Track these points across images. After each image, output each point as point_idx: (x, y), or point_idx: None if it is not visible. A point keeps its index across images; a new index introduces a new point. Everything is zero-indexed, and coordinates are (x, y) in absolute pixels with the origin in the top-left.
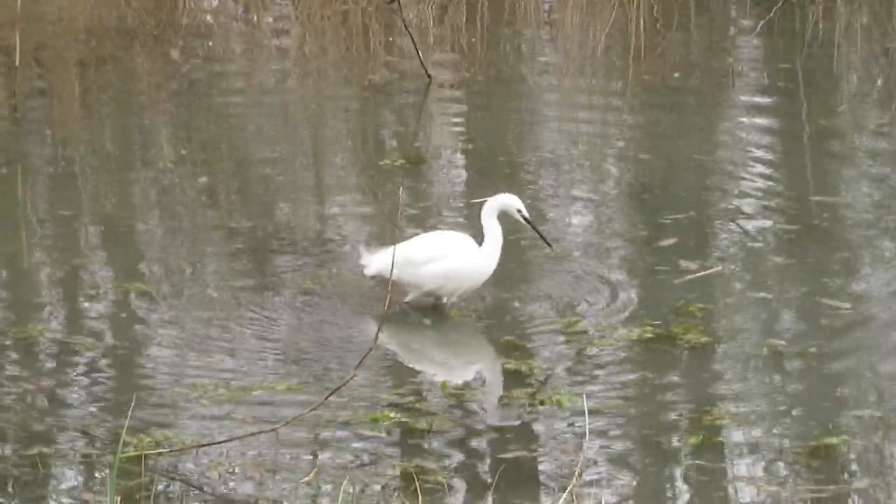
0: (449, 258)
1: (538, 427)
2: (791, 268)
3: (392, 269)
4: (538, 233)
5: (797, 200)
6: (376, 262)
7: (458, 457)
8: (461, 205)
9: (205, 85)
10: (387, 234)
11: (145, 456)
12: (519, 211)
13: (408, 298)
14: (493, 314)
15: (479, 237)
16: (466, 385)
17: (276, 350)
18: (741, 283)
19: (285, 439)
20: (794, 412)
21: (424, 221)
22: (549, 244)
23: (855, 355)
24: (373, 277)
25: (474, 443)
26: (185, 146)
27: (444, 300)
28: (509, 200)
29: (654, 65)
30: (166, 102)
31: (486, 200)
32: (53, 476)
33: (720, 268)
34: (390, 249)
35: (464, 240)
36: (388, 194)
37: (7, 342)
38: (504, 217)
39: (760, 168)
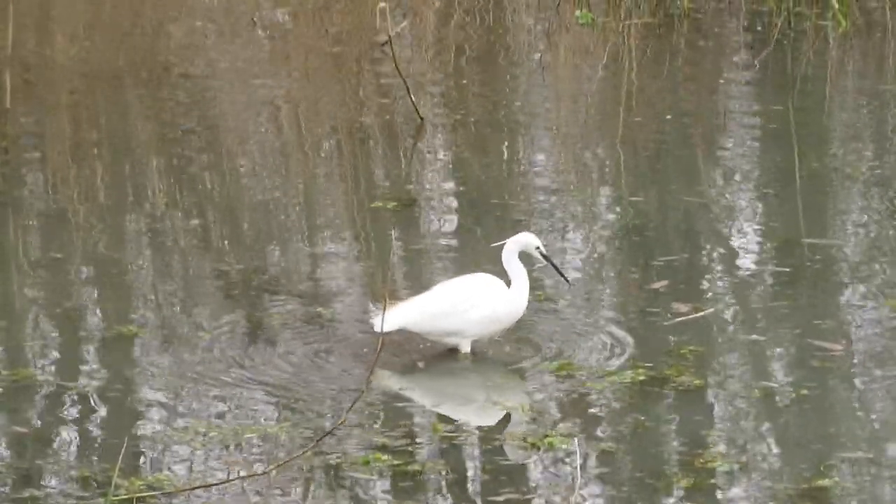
0: (490, 302)
1: (530, 470)
2: (783, 310)
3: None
4: (556, 269)
5: (789, 242)
6: (396, 316)
7: (449, 499)
8: (454, 247)
9: (196, 127)
10: (378, 278)
11: (137, 499)
12: (538, 248)
13: (464, 350)
14: (486, 357)
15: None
16: (458, 427)
17: (268, 393)
18: (733, 325)
19: (277, 482)
20: (786, 454)
21: (416, 264)
22: (566, 280)
23: (847, 397)
24: (392, 332)
25: (466, 485)
26: (176, 189)
27: (467, 347)
28: (529, 239)
29: (646, 107)
30: (158, 145)
31: (505, 243)
32: None
33: (712, 310)
34: (412, 302)
35: (494, 282)
36: (379, 237)
37: None
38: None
39: (752, 210)
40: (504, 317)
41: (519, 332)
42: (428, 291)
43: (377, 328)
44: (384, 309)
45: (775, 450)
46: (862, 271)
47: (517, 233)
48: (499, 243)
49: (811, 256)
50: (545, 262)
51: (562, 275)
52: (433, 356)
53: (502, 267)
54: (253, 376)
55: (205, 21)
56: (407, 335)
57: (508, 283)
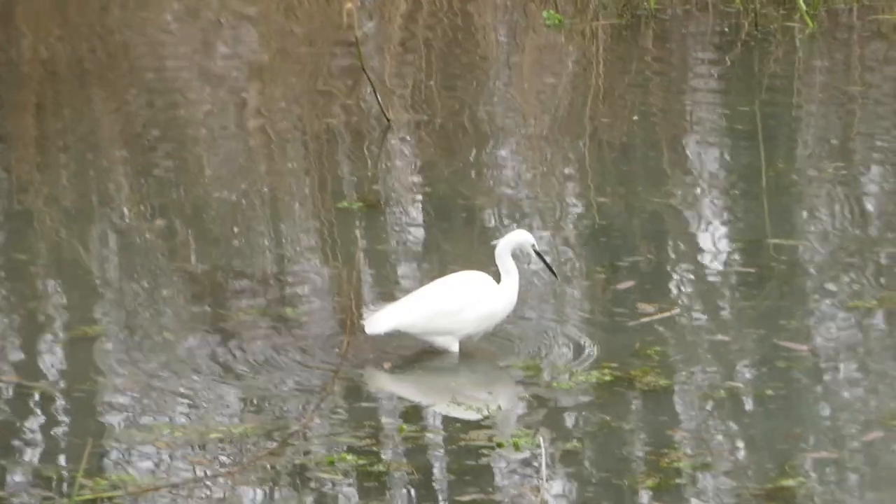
0: (480, 302)
1: (495, 470)
2: (748, 310)
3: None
4: (547, 265)
5: (754, 243)
6: (388, 318)
7: (415, 500)
8: (420, 247)
9: (162, 128)
10: (344, 279)
11: (101, 499)
12: (533, 245)
13: (453, 349)
14: (450, 358)
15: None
16: (424, 428)
17: (232, 393)
18: (699, 325)
19: (242, 482)
20: (751, 454)
21: (383, 264)
22: (556, 275)
23: (812, 397)
24: (384, 334)
25: (431, 485)
26: (141, 189)
27: (455, 346)
28: (524, 237)
29: (613, 108)
30: (123, 146)
31: (498, 242)
32: None
33: (678, 310)
34: (404, 303)
35: (486, 279)
36: (345, 237)
37: None
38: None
39: (718, 211)
40: (498, 313)
41: (485, 333)
42: (416, 292)
43: (370, 329)
44: (349, 319)
45: (740, 449)
46: (827, 272)
47: (495, 233)
48: (494, 242)
49: (777, 257)
50: (538, 259)
51: (552, 270)
52: (399, 357)
53: (469, 266)
54: (218, 376)
55: (171, 21)
56: (375, 338)
57: (497, 280)
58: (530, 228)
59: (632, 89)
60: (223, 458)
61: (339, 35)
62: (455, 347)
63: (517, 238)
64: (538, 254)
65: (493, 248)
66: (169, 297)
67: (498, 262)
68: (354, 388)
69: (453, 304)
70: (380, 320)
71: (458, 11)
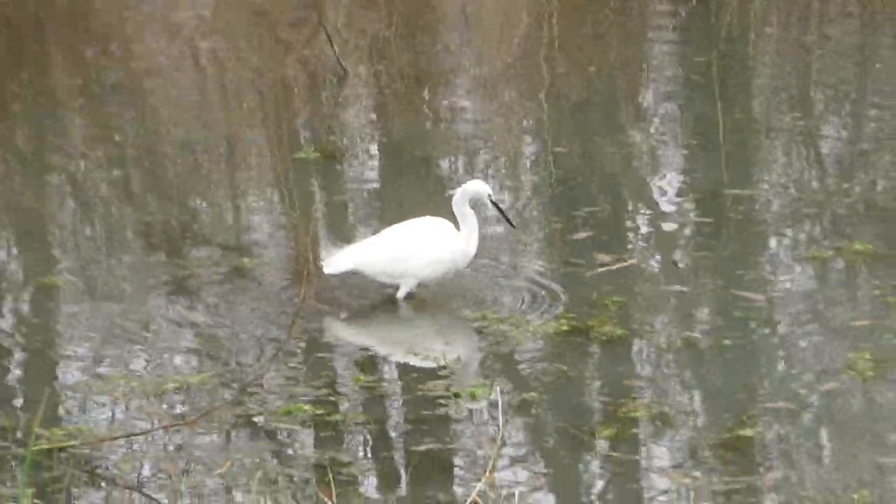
0: (438, 246)
1: (452, 420)
2: (706, 260)
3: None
4: (504, 216)
5: (712, 194)
6: (348, 257)
7: (372, 449)
8: (376, 197)
9: (118, 79)
10: (300, 228)
11: (58, 449)
12: (489, 196)
13: (402, 294)
14: (408, 308)
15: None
16: (380, 378)
17: (190, 343)
18: (656, 275)
19: (199, 432)
20: (708, 404)
21: (339, 214)
22: (512, 225)
23: (769, 347)
24: (344, 274)
25: (388, 435)
26: (99, 141)
27: (405, 290)
28: (480, 187)
29: (570, 59)
30: (80, 98)
31: (455, 192)
32: None
33: (635, 260)
34: (364, 244)
35: (447, 225)
36: (302, 187)
37: None
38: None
39: (675, 161)
40: (456, 259)
41: (442, 283)
42: (378, 234)
43: (328, 269)
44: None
45: (698, 400)
46: (784, 222)
47: (451, 183)
48: (453, 191)
49: (734, 207)
50: (494, 210)
51: (508, 221)
52: (356, 307)
53: (424, 216)
54: (175, 327)
55: None
56: (340, 282)
57: (458, 228)
58: (487, 179)
59: (589, 40)
60: (180, 409)
61: None
62: (404, 290)
63: (473, 188)
64: (494, 204)
65: (450, 198)
66: (126, 247)
67: (455, 212)
68: (311, 339)
69: (412, 246)
70: (338, 261)
71: None
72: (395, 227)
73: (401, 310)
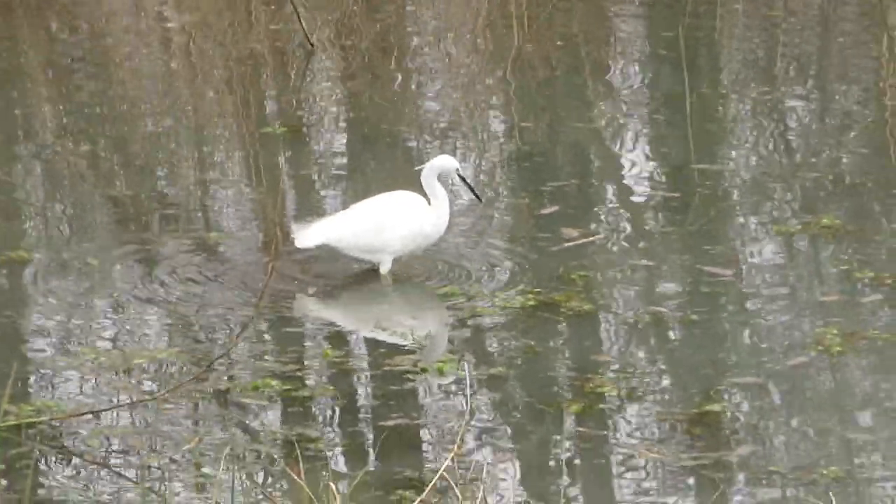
0: (409, 220)
1: (420, 395)
2: (672, 235)
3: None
4: (471, 189)
5: (679, 168)
6: (318, 231)
7: (340, 424)
8: (344, 172)
9: (86, 53)
10: (268, 203)
11: (26, 424)
12: (457, 170)
13: (384, 269)
14: (375, 283)
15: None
16: (348, 353)
17: (158, 318)
18: (623, 250)
19: (167, 407)
20: (675, 379)
21: (307, 189)
22: (480, 200)
23: (736, 322)
24: (315, 248)
25: (356, 410)
26: (66, 116)
27: (387, 265)
28: (447, 162)
29: (537, 33)
30: (48, 73)
31: (423, 167)
32: None
33: (602, 235)
34: (335, 218)
35: (418, 200)
36: (269, 162)
37: None
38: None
39: (642, 136)
40: (427, 233)
41: (409, 258)
42: (349, 209)
43: (299, 243)
44: (275, 240)
45: (665, 375)
46: (752, 197)
47: (419, 157)
48: (422, 167)
49: (701, 182)
50: (462, 184)
51: (476, 195)
52: (324, 283)
53: (394, 190)
54: (143, 302)
55: None
56: (308, 257)
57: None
58: (454, 153)
59: (556, 14)
60: (148, 384)
61: None
62: (386, 266)
63: (440, 163)
64: (462, 178)
65: (419, 172)
66: (93, 222)
67: (424, 187)
68: (279, 314)
69: (382, 220)
70: (310, 234)
71: None
72: (366, 201)
73: (369, 285)
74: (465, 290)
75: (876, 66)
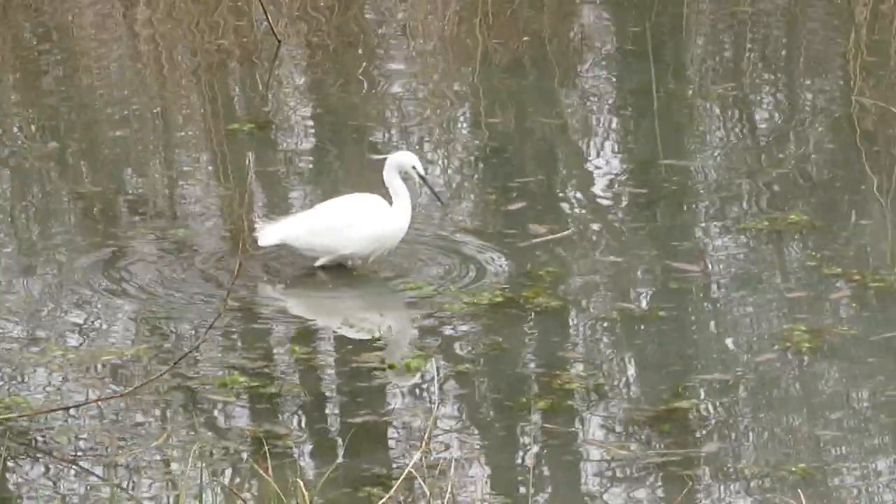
0: (368, 222)
1: (387, 392)
2: (640, 231)
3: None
4: (431, 190)
5: (646, 164)
6: (279, 230)
7: (307, 421)
8: (310, 168)
9: (52, 50)
10: (235, 200)
11: None
12: (414, 168)
13: (319, 263)
14: (342, 279)
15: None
16: (316, 350)
17: (125, 315)
18: (590, 246)
19: (135, 404)
20: (643, 376)
21: (273, 185)
22: (441, 201)
23: (704, 319)
24: (275, 246)
25: (324, 407)
26: (32, 111)
27: (357, 262)
28: (404, 158)
29: (503, 29)
30: (15, 67)
31: (385, 158)
32: None
33: (569, 231)
34: (295, 217)
35: (378, 201)
36: (236, 159)
37: None
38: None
39: (609, 132)
40: (386, 236)
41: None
42: (311, 209)
43: (260, 242)
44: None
45: (633, 371)
46: (719, 192)
47: (385, 154)
48: (378, 157)
49: (668, 177)
50: (422, 183)
51: (436, 196)
52: (291, 279)
53: (360, 189)
54: (110, 298)
55: None
56: (275, 253)
57: (391, 202)
58: (421, 148)
59: (522, 9)
60: (116, 381)
61: None
62: (323, 262)
63: (398, 160)
64: (422, 178)
65: (374, 162)
66: (61, 218)
67: (387, 184)
68: (246, 310)
69: (340, 220)
70: (270, 233)
71: None
72: (327, 202)
73: (336, 281)
74: (432, 286)
75: (843, 61)
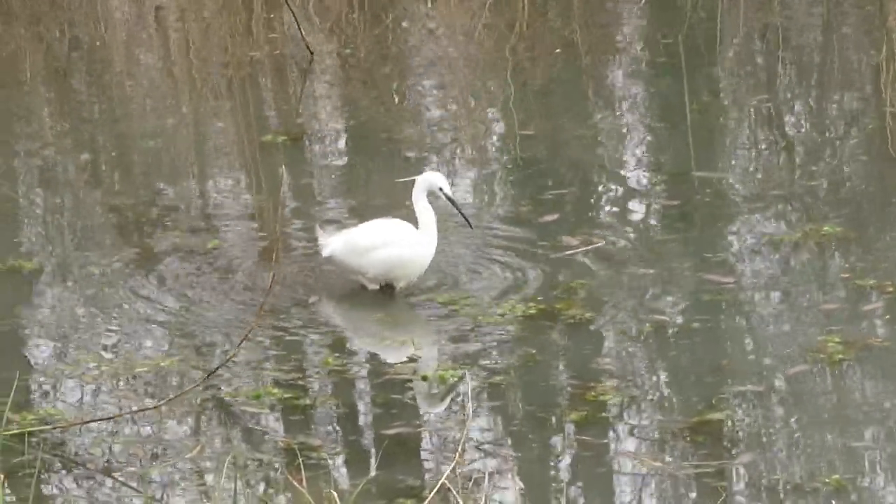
0: (391, 247)
1: (421, 403)
2: (673, 243)
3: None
4: (459, 211)
5: (679, 175)
6: (331, 245)
7: (341, 432)
8: (343, 181)
9: (86, 62)
10: (268, 211)
11: (29, 433)
12: (441, 189)
13: (368, 286)
14: (377, 291)
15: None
16: (349, 361)
17: (159, 326)
18: (623, 258)
19: (169, 415)
20: (677, 387)
21: (307, 197)
22: (469, 223)
23: (737, 330)
24: (327, 259)
25: (357, 418)
26: (65, 123)
27: (395, 285)
28: (432, 178)
29: (537, 40)
30: (49, 79)
31: (413, 180)
32: None
33: (602, 243)
34: (344, 233)
35: (404, 227)
36: (270, 171)
37: None
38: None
39: (642, 143)
40: (407, 263)
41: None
42: (356, 226)
43: (324, 253)
44: (277, 246)
45: (666, 383)
46: (752, 204)
47: (418, 169)
48: (406, 179)
49: (701, 189)
50: (450, 203)
51: (465, 218)
52: (325, 291)
53: (393, 201)
54: (144, 310)
55: None
56: (308, 265)
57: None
58: (453, 160)
59: (555, 22)
60: (150, 393)
61: None
62: (373, 286)
63: (426, 180)
64: (450, 199)
65: (385, 182)
66: (95, 230)
67: (414, 205)
68: (280, 322)
69: (361, 243)
70: (329, 244)
71: None
72: (365, 223)
73: (370, 293)
74: (466, 299)
75: (876, 72)
